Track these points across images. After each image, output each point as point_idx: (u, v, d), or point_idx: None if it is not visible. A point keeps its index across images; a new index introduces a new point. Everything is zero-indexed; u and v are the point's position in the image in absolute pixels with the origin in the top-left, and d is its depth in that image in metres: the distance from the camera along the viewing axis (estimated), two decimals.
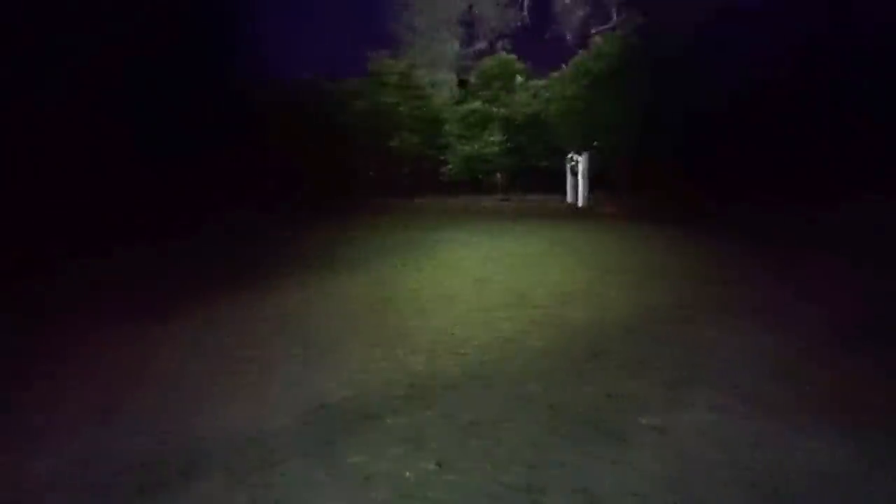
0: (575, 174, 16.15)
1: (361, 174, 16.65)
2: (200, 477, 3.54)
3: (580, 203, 16.19)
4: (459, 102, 17.69)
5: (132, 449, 3.87)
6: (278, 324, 6.56)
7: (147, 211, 11.32)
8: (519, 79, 17.87)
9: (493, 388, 5.12)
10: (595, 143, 16.49)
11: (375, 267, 9.44)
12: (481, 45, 19.35)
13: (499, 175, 17.73)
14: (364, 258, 10.10)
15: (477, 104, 17.23)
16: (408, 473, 3.65)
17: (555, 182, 16.92)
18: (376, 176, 16.19)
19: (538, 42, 19.76)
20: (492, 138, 17.01)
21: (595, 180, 16.89)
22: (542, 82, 17.69)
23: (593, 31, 18.88)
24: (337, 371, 5.22)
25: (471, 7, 18.68)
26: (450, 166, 17.55)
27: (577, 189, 16.23)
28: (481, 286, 8.09)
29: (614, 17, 18.50)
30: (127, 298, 7.93)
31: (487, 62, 18.07)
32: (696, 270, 8.53)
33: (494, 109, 17.24)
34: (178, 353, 5.80)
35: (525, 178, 18.06)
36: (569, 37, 19.70)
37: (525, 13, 19.16)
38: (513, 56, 18.03)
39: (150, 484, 3.42)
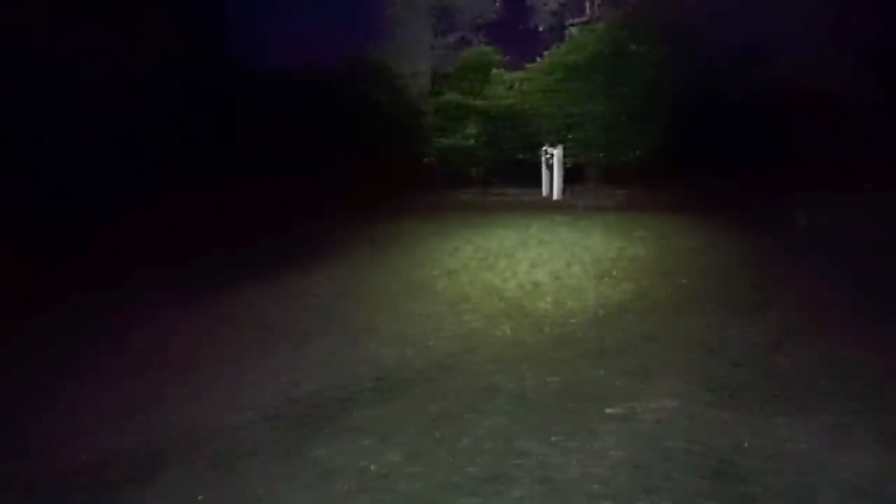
0: (550, 167, 16.11)
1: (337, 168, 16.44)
2: None
3: (556, 196, 16.17)
4: (437, 94, 17.49)
5: None
6: None
7: None
8: (496, 71, 17.67)
9: (457, 379, 5.10)
10: (570, 136, 16.46)
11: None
12: (457, 36, 19.21)
13: (476, 168, 17.56)
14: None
15: (454, 96, 17.06)
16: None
17: (532, 175, 16.83)
18: (351, 168, 15.97)
19: (515, 34, 19.60)
20: (469, 131, 16.82)
21: (571, 173, 16.87)
22: (519, 74, 17.58)
23: (569, 22, 18.88)
24: None
25: None
26: (428, 159, 17.34)
27: (553, 182, 16.19)
28: (452, 278, 8.05)
29: (588, 10, 18.49)
30: None
31: (465, 54, 17.85)
32: (675, 266, 8.48)
33: (472, 102, 17.04)
34: None
35: (503, 171, 17.94)
36: (541, 28, 19.66)
37: (500, 4, 19.08)
38: (490, 48, 17.84)
39: None
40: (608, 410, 4.48)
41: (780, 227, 10.62)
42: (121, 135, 11.79)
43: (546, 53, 17.24)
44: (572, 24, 18.23)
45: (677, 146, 16.04)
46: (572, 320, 6.32)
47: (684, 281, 7.58)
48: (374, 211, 14.55)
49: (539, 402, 4.68)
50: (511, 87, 17.52)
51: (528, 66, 17.49)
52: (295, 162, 15.90)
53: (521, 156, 17.69)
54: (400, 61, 18.45)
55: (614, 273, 8.05)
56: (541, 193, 16.69)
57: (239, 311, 7.32)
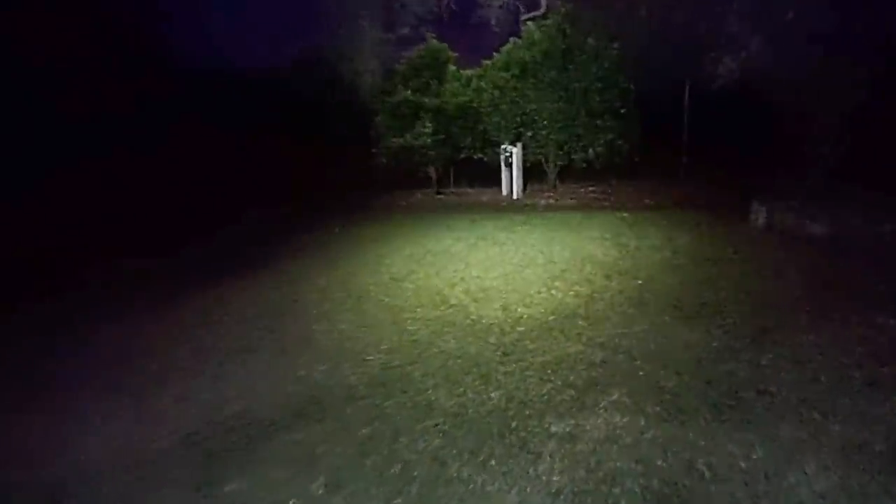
0: (509, 166, 15.81)
1: (283, 169, 15.94)
2: None
3: (515, 196, 15.88)
4: (388, 92, 17.06)
5: None
6: None
7: None
8: (451, 67, 17.29)
9: (393, 396, 4.75)
10: (529, 134, 16.18)
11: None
12: (406, 31, 18.81)
13: (432, 168, 17.17)
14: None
15: (407, 94, 16.63)
16: None
17: (491, 174, 16.51)
18: (298, 170, 15.46)
19: (468, 29, 19.27)
20: (424, 129, 16.41)
21: (530, 171, 16.60)
22: (473, 71, 17.21)
23: (523, 17, 18.62)
24: None
25: None
26: (381, 159, 16.91)
27: (512, 181, 15.91)
28: (397, 285, 7.68)
29: (543, 4, 18.26)
30: None
31: (417, 50, 17.43)
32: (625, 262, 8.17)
33: (425, 99, 16.64)
34: None
35: (460, 170, 17.58)
36: (494, 22, 19.40)
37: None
38: (444, 44, 17.44)
39: None
40: (552, 429, 4.16)
41: (741, 222, 10.40)
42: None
43: (503, 49, 16.88)
44: (527, 19, 17.94)
45: (639, 142, 15.91)
46: (520, 328, 5.99)
47: (639, 282, 7.29)
48: (321, 214, 14.12)
49: (479, 420, 4.34)
50: (466, 85, 17.10)
51: (483, 62, 17.09)
52: (234, 164, 15.37)
53: (479, 155, 17.28)
54: (347, 57, 17.96)
55: (568, 276, 7.75)
56: (500, 193, 16.39)
57: (167, 326, 6.85)
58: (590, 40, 15.25)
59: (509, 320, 6.23)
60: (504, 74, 16.18)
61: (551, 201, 15.30)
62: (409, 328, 6.19)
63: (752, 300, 6.48)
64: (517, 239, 10.15)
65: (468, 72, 17.23)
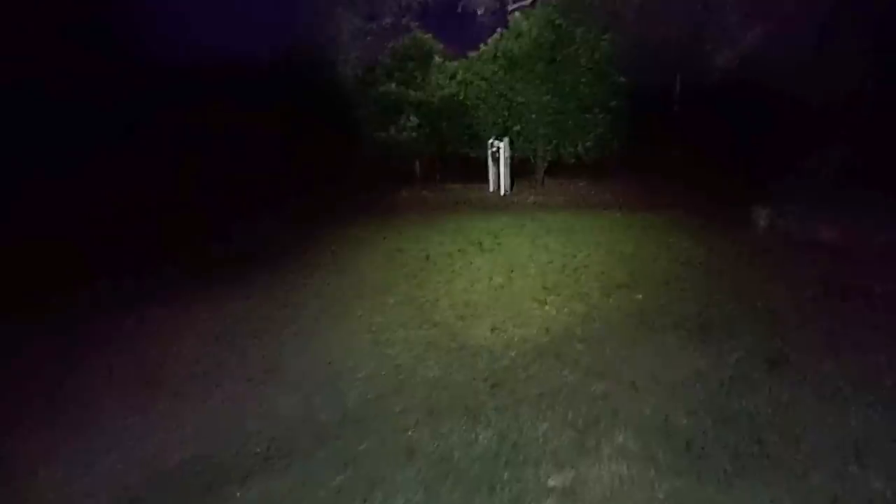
0: (497, 161, 15.25)
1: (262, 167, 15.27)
2: None
3: (503, 192, 15.35)
4: (372, 85, 16.43)
5: None
6: None
7: None
8: (437, 59, 16.67)
9: (369, 436, 4.19)
10: (516, 128, 15.64)
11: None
12: (390, 21, 18.16)
13: (417, 163, 16.59)
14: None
15: (392, 87, 16.02)
16: None
17: (478, 169, 15.97)
18: (275, 167, 14.81)
19: (453, 19, 18.65)
20: (409, 123, 15.83)
21: (519, 167, 16.08)
22: (459, 63, 16.59)
23: (511, 7, 18.01)
24: None
25: None
26: (365, 155, 16.30)
27: (500, 177, 15.36)
28: (378, 299, 7.09)
29: None
30: None
31: (401, 42, 16.79)
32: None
33: (411, 92, 16.04)
34: None
35: (447, 166, 17.00)
36: (480, 12, 18.81)
37: None
38: (428, 35, 16.81)
39: None
40: (550, 482, 3.62)
41: (742, 225, 9.87)
42: None
43: (490, 40, 16.29)
44: (515, 9, 17.33)
45: (630, 136, 15.45)
46: (511, 352, 5.43)
47: (638, 296, 6.75)
48: (297, 215, 13.50)
49: (466, 468, 3.79)
50: (452, 77, 16.50)
51: (469, 54, 16.47)
52: (213, 162, 14.66)
53: (465, 149, 16.73)
54: (328, 48, 17.28)
55: (562, 288, 7.20)
56: (487, 189, 15.86)
57: (120, 354, 6.17)
58: (579, 31, 14.67)
59: (499, 343, 5.67)
60: (491, 66, 15.59)
61: (540, 199, 14.78)
62: (389, 352, 5.61)
63: (764, 318, 5.94)
64: (506, 244, 9.59)
65: (454, 63, 16.60)
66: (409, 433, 4.25)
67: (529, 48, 14.96)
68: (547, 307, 6.50)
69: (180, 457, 4.13)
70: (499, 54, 15.49)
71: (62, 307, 7.32)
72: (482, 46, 16.15)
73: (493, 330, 5.98)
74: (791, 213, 9.08)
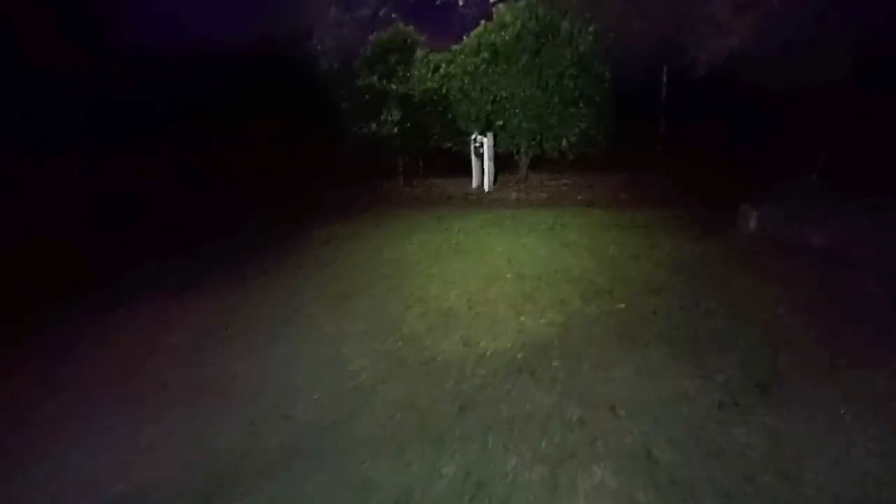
0: (480, 156, 14.82)
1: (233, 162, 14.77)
2: None
3: (486, 188, 14.93)
4: (353, 78, 15.92)
5: None
6: None
7: None
8: (419, 52, 16.17)
9: (320, 470, 3.75)
10: (500, 123, 15.20)
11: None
12: (369, 11, 17.63)
13: (399, 159, 16.12)
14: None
15: (373, 79, 15.53)
16: None
17: (461, 165, 15.54)
18: (251, 163, 14.31)
19: (434, 10, 18.14)
20: (391, 118, 15.36)
21: (502, 162, 15.66)
22: (442, 56, 16.09)
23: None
24: None
25: None
26: (345, 150, 15.82)
27: (483, 173, 14.93)
28: (345, 306, 6.64)
29: None
30: None
31: (382, 33, 16.28)
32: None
33: (393, 86, 15.56)
34: None
35: (430, 161, 16.55)
36: (461, 3, 18.33)
37: None
38: (410, 27, 16.31)
39: None
40: None
41: (729, 227, 9.45)
42: None
43: (473, 33, 15.79)
44: (498, 0, 16.82)
45: (615, 131, 15.06)
46: (482, 370, 4.99)
47: (620, 305, 6.33)
48: (270, 212, 13.02)
49: None
50: (436, 71, 16.00)
51: (452, 47, 15.96)
52: (180, 158, 14.16)
53: (448, 144, 16.28)
54: (306, 41, 16.74)
55: (540, 295, 6.77)
56: (470, 185, 15.40)
57: (52, 369, 5.69)
58: (564, 23, 14.22)
59: (470, 358, 5.23)
60: (474, 59, 15.10)
61: (523, 195, 14.37)
62: (350, 367, 5.16)
63: (755, 333, 5.50)
64: (485, 245, 9.16)
65: (438, 56, 16.11)
66: (365, 467, 3.82)
67: (513, 40, 14.47)
68: (524, 318, 6.06)
69: (99, 498, 3.69)
70: (482, 47, 14.98)
71: None
72: (465, 39, 15.65)
73: (464, 344, 5.54)
74: (780, 214, 8.65)
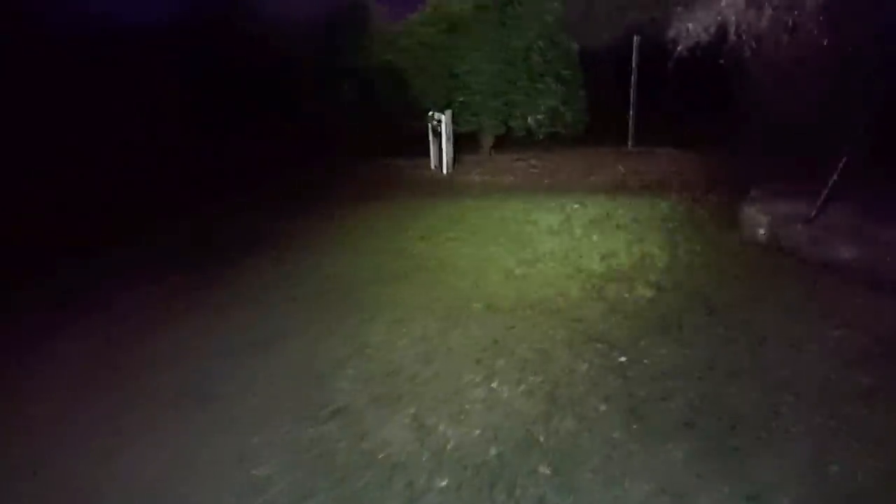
0: (438, 135, 13.44)
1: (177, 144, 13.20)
2: None
3: (445, 170, 13.57)
4: (302, 51, 14.43)
5: None
6: None
7: None
8: (377, 23, 14.72)
9: None
10: (460, 99, 13.84)
11: None
12: None
13: (351, 137, 14.63)
14: None
15: (326, 54, 14.07)
16: None
17: (419, 144, 14.20)
18: (195, 143, 12.78)
19: None
20: (344, 94, 13.93)
21: (464, 141, 14.32)
22: (397, 27, 14.67)
23: None
24: None
25: None
26: (294, 127, 14.33)
27: (441, 153, 13.55)
28: (250, 358, 5.14)
29: None
30: None
31: (335, 3, 14.78)
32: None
33: (346, 60, 14.12)
34: None
35: (384, 139, 15.10)
36: None
37: None
38: None
39: None
40: None
41: (728, 229, 8.14)
42: None
43: (429, 1, 14.41)
44: None
45: (585, 109, 13.84)
46: (439, 479, 3.59)
47: (622, 359, 4.94)
48: (203, 199, 11.45)
49: None
50: (392, 43, 14.58)
51: (407, 17, 14.56)
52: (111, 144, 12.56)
53: (406, 121, 14.87)
54: (257, 13, 15.09)
55: (514, 343, 5.33)
56: (429, 166, 14.05)
57: None
58: None
59: (426, 455, 3.81)
60: (430, 30, 13.67)
61: (487, 178, 13.14)
62: (256, 472, 3.71)
63: (769, 405, 4.16)
64: (441, 255, 7.75)
65: (392, 27, 14.67)
66: None
67: (474, 9, 13.08)
68: (495, 383, 4.63)
69: None
70: (440, 17, 13.58)
71: None
72: (420, 9, 14.26)
73: (417, 425, 4.12)
74: (798, 221, 7.21)
